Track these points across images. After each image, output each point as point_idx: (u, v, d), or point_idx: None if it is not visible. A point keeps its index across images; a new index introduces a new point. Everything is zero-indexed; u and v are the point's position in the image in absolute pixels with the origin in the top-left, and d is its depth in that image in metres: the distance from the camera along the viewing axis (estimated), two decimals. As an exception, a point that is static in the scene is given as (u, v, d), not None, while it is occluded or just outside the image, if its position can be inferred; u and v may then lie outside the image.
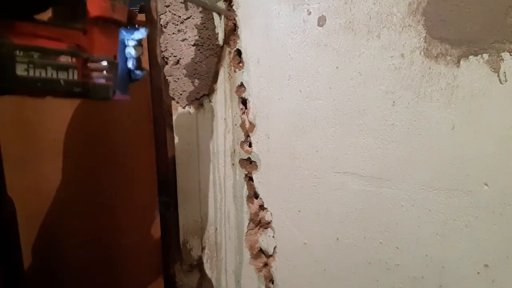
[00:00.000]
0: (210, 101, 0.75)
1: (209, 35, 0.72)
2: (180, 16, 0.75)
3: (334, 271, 0.63)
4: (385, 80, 0.54)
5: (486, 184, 0.49)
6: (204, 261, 0.83)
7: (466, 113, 0.49)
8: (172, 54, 0.78)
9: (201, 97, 0.76)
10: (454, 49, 0.49)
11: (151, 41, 0.80)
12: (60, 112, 0.86)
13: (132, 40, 0.52)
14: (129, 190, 0.89)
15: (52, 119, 0.87)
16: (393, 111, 0.54)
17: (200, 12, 0.72)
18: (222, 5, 0.68)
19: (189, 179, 0.81)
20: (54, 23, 0.38)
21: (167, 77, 0.79)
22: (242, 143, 0.71)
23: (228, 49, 0.70)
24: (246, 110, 0.70)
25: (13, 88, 0.35)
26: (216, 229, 0.79)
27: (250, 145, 0.71)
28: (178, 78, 0.78)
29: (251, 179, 0.72)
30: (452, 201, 0.51)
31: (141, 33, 0.52)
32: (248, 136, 0.71)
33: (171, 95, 0.80)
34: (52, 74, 0.37)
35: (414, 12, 0.51)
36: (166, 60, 0.79)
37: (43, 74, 0.36)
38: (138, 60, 0.53)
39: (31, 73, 0.35)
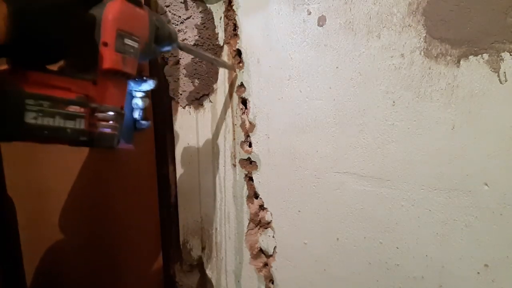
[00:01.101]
0: (210, 101, 0.75)
1: (209, 35, 0.72)
2: (180, 16, 0.75)
3: (334, 271, 0.63)
4: (385, 80, 0.54)
5: (486, 184, 0.49)
6: (204, 261, 0.83)
7: (466, 113, 0.49)
8: (172, 54, 0.78)
9: (201, 97, 0.76)
10: (454, 49, 0.49)
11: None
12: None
13: (139, 91, 0.53)
14: (129, 190, 0.89)
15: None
16: (393, 111, 0.54)
17: (200, 12, 0.72)
18: (228, 58, 0.70)
19: (189, 179, 0.82)
20: (65, 73, 0.39)
21: (167, 77, 0.79)
22: (242, 143, 0.72)
23: (228, 49, 0.70)
24: (246, 110, 0.70)
25: (21, 135, 0.36)
26: (216, 229, 0.79)
27: (250, 145, 0.71)
28: (178, 78, 0.78)
29: (251, 179, 0.72)
30: (452, 201, 0.51)
31: (148, 85, 0.54)
32: (248, 136, 0.71)
33: (171, 95, 0.80)
34: (59, 123, 0.38)
35: (414, 12, 0.51)
36: (166, 60, 0.79)
37: (51, 123, 0.37)
38: (144, 110, 0.55)
39: (40, 121, 0.36)
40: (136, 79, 0.52)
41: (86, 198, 0.91)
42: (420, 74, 0.51)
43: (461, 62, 0.48)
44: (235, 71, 0.69)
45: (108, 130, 0.43)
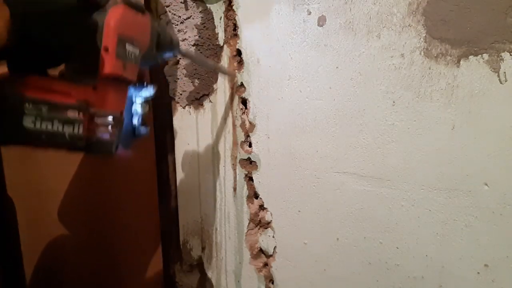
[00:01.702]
0: (210, 101, 0.75)
1: (209, 35, 0.72)
2: (180, 16, 0.75)
3: (334, 271, 0.63)
4: (385, 80, 0.54)
5: (486, 184, 0.49)
6: (204, 261, 0.83)
7: (466, 113, 0.49)
8: (172, 54, 0.78)
9: (201, 97, 0.76)
10: (454, 49, 0.49)
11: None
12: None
13: (139, 97, 0.53)
14: (129, 190, 0.89)
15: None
16: (393, 111, 0.54)
17: (200, 12, 0.72)
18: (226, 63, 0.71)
19: (189, 179, 0.82)
20: (65, 78, 0.39)
21: (167, 77, 0.79)
22: (242, 143, 0.72)
23: (228, 49, 0.70)
24: (246, 110, 0.70)
25: (19, 139, 0.36)
26: (216, 229, 0.79)
27: (250, 145, 0.71)
28: (178, 78, 0.78)
29: (251, 179, 0.72)
30: (452, 201, 0.51)
31: (148, 92, 0.53)
32: (248, 136, 0.71)
33: (171, 95, 0.80)
34: (58, 128, 0.37)
35: (414, 12, 0.51)
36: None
37: (49, 127, 0.37)
38: (143, 117, 0.54)
39: (38, 126, 0.36)
40: (136, 85, 0.51)
41: (86, 198, 0.90)
42: (420, 74, 0.51)
43: (461, 62, 0.48)
44: (235, 77, 0.69)
45: (106, 136, 0.42)
